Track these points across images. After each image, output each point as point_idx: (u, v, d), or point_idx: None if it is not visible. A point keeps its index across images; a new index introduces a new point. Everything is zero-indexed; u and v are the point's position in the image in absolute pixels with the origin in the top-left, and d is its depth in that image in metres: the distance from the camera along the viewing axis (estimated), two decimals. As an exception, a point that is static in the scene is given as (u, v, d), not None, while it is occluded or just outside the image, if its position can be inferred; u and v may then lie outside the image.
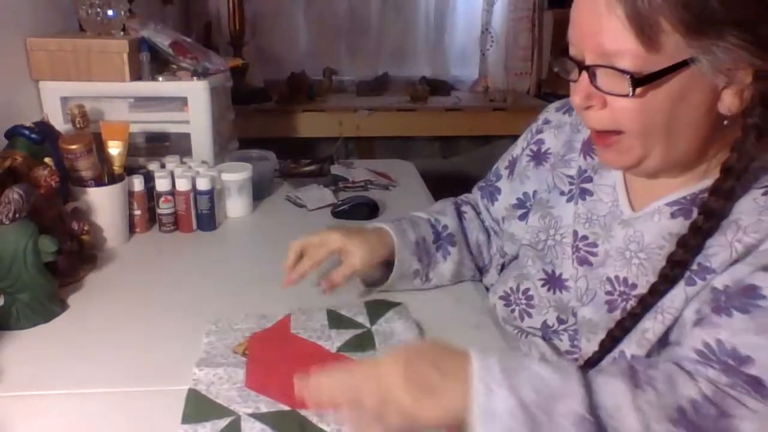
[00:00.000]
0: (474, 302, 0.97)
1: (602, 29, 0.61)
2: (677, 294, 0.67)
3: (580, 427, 0.55)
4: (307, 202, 1.37)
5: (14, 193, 0.87)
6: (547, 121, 0.91)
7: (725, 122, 0.65)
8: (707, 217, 0.64)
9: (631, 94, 0.61)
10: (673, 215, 0.71)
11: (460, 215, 1.02)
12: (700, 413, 0.55)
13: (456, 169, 2.80)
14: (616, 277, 0.75)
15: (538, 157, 0.90)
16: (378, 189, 1.49)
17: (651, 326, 0.68)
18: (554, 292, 0.82)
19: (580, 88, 0.66)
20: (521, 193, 0.92)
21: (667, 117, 0.63)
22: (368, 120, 2.48)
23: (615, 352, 0.72)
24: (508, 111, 2.51)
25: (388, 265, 0.95)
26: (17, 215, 0.87)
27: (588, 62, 0.64)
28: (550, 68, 2.80)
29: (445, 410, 0.56)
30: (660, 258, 0.69)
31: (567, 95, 0.73)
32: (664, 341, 0.68)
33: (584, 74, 0.65)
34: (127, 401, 0.73)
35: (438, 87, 2.70)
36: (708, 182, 0.68)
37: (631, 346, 0.70)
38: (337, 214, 1.31)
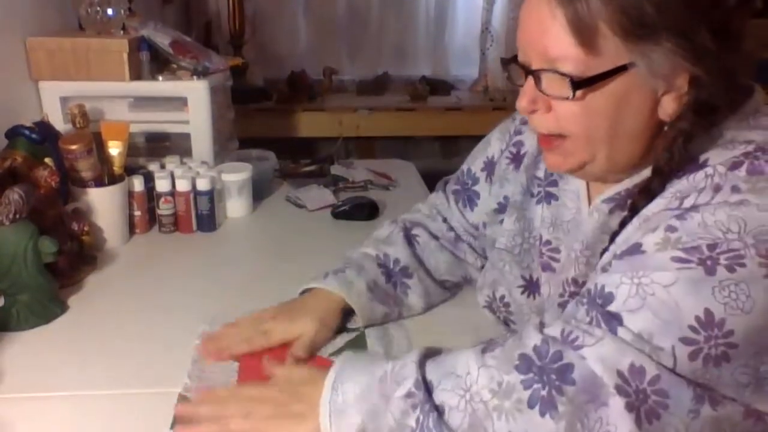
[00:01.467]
0: (473, 303, 0.96)
1: (545, 34, 0.63)
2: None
3: (413, 406, 0.60)
4: (307, 203, 1.37)
5: (14, 194, 0.87)
6: (525, 122, 0.90)
7: (665, 128, 0.66)
8: (633, 213, 0.66)
9: (571, 96, 0.63)
10: (611, 211, 0.73)
11: (410, 241, 0.96)
12: (542, 355, 0.59)
13: (456, 169, 2.79)
14: (568, 279, 0.77)
15: (518, 159, 0.90)
16: (378, 189, 1.49)
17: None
18: (534, 297, 0.82)
19: (525, 91, 0.67)
20: (502, 197, 0.91)
21: (610, 121, 0.64)
22: (368, 120, 2.47)
23: None
24: (508, 110, 2.49)
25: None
26: (17, 216, 0.87)
27: (534, 67, 0.66)
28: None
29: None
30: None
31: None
32: None
33: (530, 78, 0.66)
34: (127, 403, 0.73)
35: (438, 86, 2.69)
36: (639, 178, 0.70)
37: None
38: (337, 214, 1.31)
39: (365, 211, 1.31)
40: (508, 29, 2.71)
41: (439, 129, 2.59)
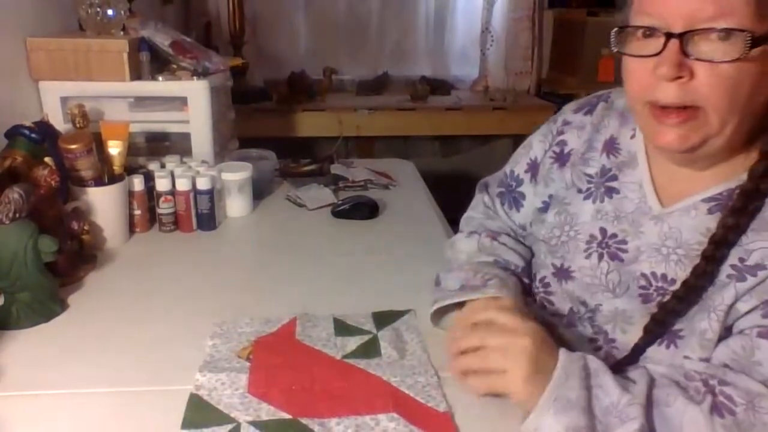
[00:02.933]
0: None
1: None
2: (727, 292, 0.67)
3: None
4: (307, 202, 1.37)
5: (14, 193, 0.87)
6: (567, 122, 0.90)
7: None
8: (746, 198, 0.65)
9: (742, 55, 0.60)
10: (710, 211, 0.71)
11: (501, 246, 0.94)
12: None
13: (456, 168, 2.80)
14: (653, 273, 0.75)
15: (561, 158, 0.89)
16: (378, 188, 1.49)
17: (708, 326, 0.68)
18: (562, 284, 0.83)
19: (668, 57, 0.63)
20: (547, 196, 0.90)
21: (752, 90, 0.63)
22: (368, 119, 2.48)
23: (678, 359, 0.72)
24: (508, 110, 2.51)
25: None
26: (17, 215, 0.87)
27: (680, 30, 0.62)
28: (550, 67, 2.80)
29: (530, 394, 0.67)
30: (699, 253, 0.69)
31: (567, 94, 0.72)
32: (723, 338, 0.68)
33: (672, 44, 0.63)
34: (127, 401, 0.73)
35: (438, 86, 2.70)
36: (744, 177, 0.69)
37: (695, 350, 0.70)
38: (337, 213, 1.31)
39: (365, 210, 1.31)
40: (508, 29, 2.72)
41: (438, 129, 2.59)
